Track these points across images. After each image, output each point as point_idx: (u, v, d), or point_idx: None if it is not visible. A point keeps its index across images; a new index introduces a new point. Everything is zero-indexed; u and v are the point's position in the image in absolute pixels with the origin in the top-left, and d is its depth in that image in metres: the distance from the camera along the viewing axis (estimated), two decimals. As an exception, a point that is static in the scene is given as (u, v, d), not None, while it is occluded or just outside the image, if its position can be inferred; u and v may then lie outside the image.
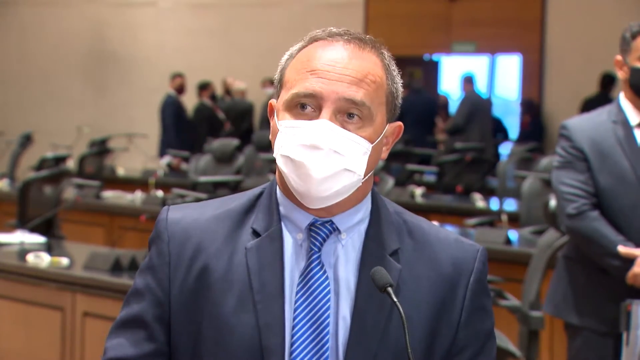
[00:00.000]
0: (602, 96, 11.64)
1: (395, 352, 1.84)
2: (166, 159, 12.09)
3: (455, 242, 1.93)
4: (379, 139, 1.88)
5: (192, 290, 1.87)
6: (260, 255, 1.86)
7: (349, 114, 1.84)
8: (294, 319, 1.83)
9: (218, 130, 13.31)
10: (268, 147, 9.55)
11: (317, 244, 1.88)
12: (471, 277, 1.91)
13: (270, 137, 1.92)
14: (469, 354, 1.91)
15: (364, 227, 1.91)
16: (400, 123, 1.94)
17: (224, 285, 1.85)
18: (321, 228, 1.88)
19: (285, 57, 1.93)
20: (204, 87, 13.87)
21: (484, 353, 1.92)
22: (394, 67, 1.92)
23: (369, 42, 1.90)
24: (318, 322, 1.84)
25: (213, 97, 14.06)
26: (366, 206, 1.92)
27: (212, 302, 1.85)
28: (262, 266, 1.85)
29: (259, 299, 1.83)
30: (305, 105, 1.85)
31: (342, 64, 1.86)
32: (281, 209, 1.91)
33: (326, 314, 1.84)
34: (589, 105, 10.93)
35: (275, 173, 1.95)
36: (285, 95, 1.87)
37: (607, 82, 12.16)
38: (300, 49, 1.91)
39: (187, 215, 1.93)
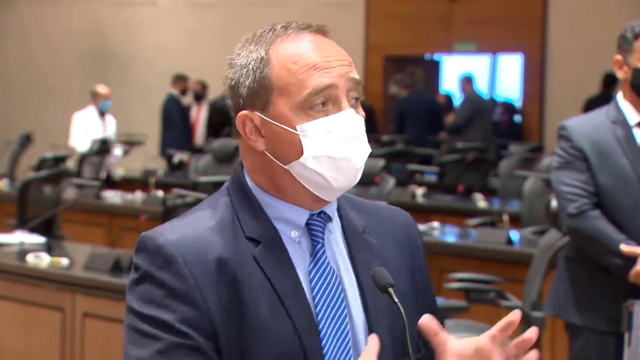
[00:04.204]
0: (605, 96, 11.60)
1: (397, 336, 1.86)
2: (178, 157, 12.02)
3: (388, 208, 2.01)
4: None
5: (228, 305, 1.76)
6: (271, 260, 1.81)
7: (354, 98, 1.84)
8: (317, 315, 1.81)
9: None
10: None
11: (320, 237, 1.86)
12: (419, 239, 2.00)
13: (262, 149, 1.83)
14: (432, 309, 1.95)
15: (335, 212, 1.91)
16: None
17: (252, 295, 1.78)
18: (317, 220, 1.87)
19: (253, 64, 1.82)
20: (178, 79, 13.76)
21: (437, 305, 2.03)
22: None
23: (327, 29, 1.89)
24: (337, 316, 1.83)
25: (183, 92, 13.88)
26: None
27: (247, 314, 1.77)
28: (278, 271, 1.81)
29: (288, 304, 1.79)
30: (324, 103, 1.80)
31: (334, 51, 1.84)
32: (269, 210, 1.85)
33: (342, 306, 1.84)
34: (591, 105, 10.90)
35: (241, 176, 1.88)
36: (291, 99, 1.80)
37: (610, 81, 12.13)
38: (268, 51, 1.83)
39: (184, 233, 1.79)
